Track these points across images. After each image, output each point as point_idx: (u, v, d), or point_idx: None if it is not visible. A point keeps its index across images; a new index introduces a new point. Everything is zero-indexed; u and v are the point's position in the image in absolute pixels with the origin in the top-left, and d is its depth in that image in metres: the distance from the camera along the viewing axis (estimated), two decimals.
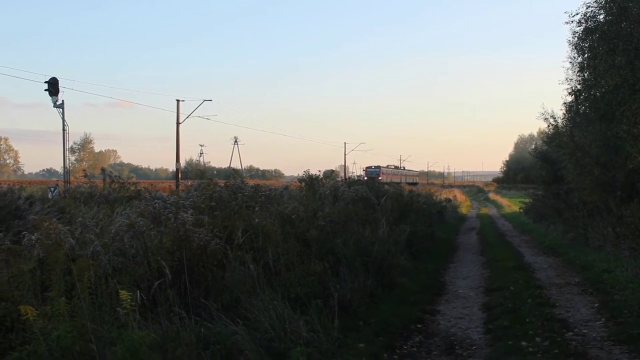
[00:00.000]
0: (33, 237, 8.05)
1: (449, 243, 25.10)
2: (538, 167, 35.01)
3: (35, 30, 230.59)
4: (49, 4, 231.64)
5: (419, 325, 10.46)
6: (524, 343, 9.02)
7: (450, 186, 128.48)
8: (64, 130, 37.74)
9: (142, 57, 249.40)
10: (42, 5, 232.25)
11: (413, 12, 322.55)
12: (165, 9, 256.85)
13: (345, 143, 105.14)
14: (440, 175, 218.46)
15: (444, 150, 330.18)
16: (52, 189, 23.10)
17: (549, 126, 26.00)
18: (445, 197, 51.84)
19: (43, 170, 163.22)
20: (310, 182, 19.76)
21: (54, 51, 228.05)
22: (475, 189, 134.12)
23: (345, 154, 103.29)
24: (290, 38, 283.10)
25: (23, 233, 8.87)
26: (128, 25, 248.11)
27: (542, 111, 25.27)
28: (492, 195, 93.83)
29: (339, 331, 8.80)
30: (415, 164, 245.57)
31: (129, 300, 7.01)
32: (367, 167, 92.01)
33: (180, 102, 61.27)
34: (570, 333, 9.68)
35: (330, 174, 25.07)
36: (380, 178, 71.36)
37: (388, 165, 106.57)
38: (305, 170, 21.29)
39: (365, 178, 35.51)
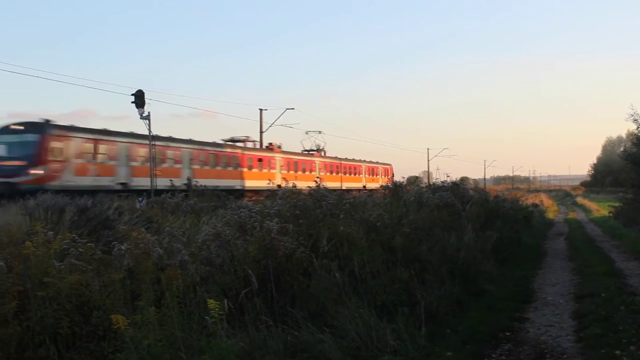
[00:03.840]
0: (123, 247, 8.22)
1: (536, 249, 24.57)
2: (627, 169, 33.99)
3: (123, 44, 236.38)
4: (134, 21, 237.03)
5: (508, 333, 10.25)
6: (617, 352, 8.70)
7: (537, 190, 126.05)
8: (150, 141, 38.57)
9: (226, 68, 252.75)
10: (127, 21, 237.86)
11: (496, 11, 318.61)
12: (247, 20, 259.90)
13: (428, 149, 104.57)
14: (526, 179, 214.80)
15: (530, 154, 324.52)
16: (140, 199, 23.59)
17: (638, 127, 25.30)
18: (531, 202, 50.84)
19: None
20: (394, 188, 19.64)
21: (141, 65, 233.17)
22: (562, 193, 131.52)
23: (428, 160, 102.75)
24: (372, 45, 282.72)
25: (113, 243, 9.07)
26: (211, 37, 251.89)
27: (631, 112, 24.60)
28: (580, 200, 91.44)
29: (426, 339, 8.71)
30: (500, 169, 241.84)
31: (217, 309, 7.07)
32: None
33: (263, 111, 63.78)
34: None
35: (414, 180, 24.90)
36: None
37: None
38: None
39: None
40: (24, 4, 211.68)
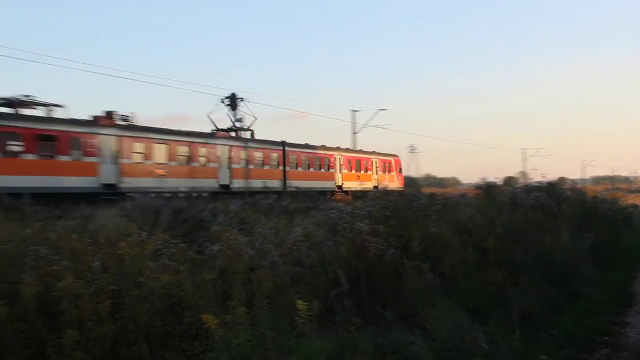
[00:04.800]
0: (215, 248, 8.35)
1: (637, 250, 23.81)
2: None
3: (216, 47, 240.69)
4: (225, 24, 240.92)
5: (606, 338, 9.94)
6: None
7: (638, 191, 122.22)
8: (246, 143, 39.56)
9: (320, 69, 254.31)
10: (222, 23, 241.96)
11: (594, 8, 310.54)
12: (342, 19, 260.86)
13: (523, 149, 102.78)
14: (626, 179, 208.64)
15: (630, 153, 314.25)
16: (235, 201, 23.93)
17: None
18: (631, 202, 49.33)
19: None
20: (487, 189, 19.39)
21: (234, 67, 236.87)
22: None
23: (523, 160, 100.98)
24: (465, 45, 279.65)
25: (206, 243, 9.22)
26: (305, 37, 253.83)
27: None
28: None
29: (519, 342, 8.54)
30: (600, 168, 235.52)
31: (306, 310, 7.09)
32: None
33: (356, 113, 63.50)
34: None
35: (509, 181, 24.52)
36: None
37: None
38: (482, 177, 20.95)
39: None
40: (122, 8, 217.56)
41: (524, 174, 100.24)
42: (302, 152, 55.15)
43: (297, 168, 53.76)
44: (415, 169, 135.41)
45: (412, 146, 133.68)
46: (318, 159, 57.26)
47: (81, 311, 6.51)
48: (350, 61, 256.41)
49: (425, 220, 11.63)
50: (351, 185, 60.67)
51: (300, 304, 7.07)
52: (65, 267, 7.02)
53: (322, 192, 46.76)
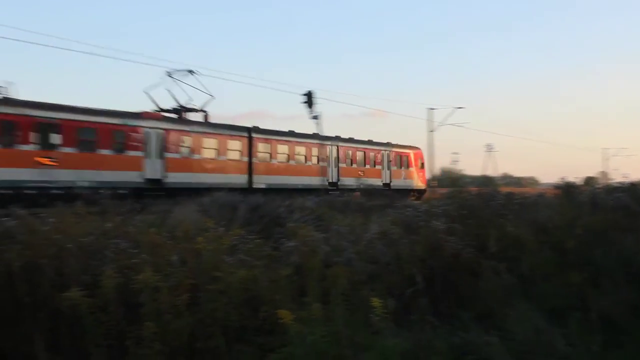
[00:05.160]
0: (291, 244, 8.40)
1: None
2: None
3: (295, 44, 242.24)
4: (307, 21, 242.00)
5: None
6: None
7: None
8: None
9: (398, 67, 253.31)
10: (300, 22, 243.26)
11: None
12: (419, 19, 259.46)
13: (604, 149, 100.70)
14: None
15: None
16: (310, 197, 24.06)
17: None
18: None
19: None
20: (566, 189, 19.07)
21: (314, 65, 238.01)
22: None
23: (604, 160, 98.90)
24: (543, 43, 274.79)
25: (281, 240, 9.29)
26: (382, 35, 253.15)
27: None
28: None
29: (599, 346, 8.35)
30: None
31: (382, 307, 7.07)
32: None
33: (433, 110, 62.01)
34: None
35: (589, 181, 24.09)
36: None
37: None
38: (561, 177, 20.64)
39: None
40: (207, 8, 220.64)
41: (604, 174, 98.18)
42: (278, 140, 45.75)
43: (270, 160, 44.90)
44: (493, 167, 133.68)
45: (489, 145, 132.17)
46: (302, 149, 47.91)
47: (159, 304, 6.64)
48: (430, 59, 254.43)
49: (503, 220, 11.47)
50: (351, 182, 47.97)
51: (376, 302, 7.05)
52: (145, 261, 7.17)
53: (309, 191, 36.82)
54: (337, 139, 51.53)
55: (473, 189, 13.90)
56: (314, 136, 47.85)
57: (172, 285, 6.84)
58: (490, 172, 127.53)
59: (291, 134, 47.33)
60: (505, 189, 21.44)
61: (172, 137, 37.90)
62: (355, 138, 54.19)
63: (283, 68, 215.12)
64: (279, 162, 45.45)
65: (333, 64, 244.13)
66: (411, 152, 60.72)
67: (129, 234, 8.56)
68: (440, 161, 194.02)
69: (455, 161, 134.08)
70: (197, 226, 9.48)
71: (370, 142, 55.76)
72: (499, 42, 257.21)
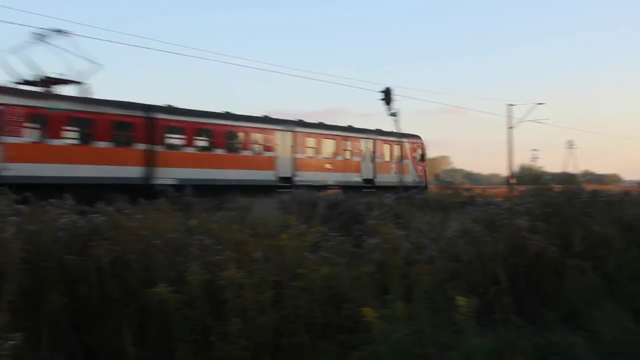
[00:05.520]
0: (372, 241, 8.39)
1: None
2: None
3: (372, 41, 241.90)
4: (381, 22, 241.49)
5: None
6: None
7: None
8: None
9: (477, 63, 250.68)
10: (378, 17, 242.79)
11: None
12: (497, 15, 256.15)
13: None
14: None
15: None
16: (388, 195, 23.99)
17: None
18: None
19: None
20: None
21: (391, 62, 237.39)
22: None
23: None
24: (625, 39, 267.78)
25: (362, 237, 9.28)
26: (457, 34, 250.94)
27: None
28: None
29: None
30: None
31: (465, 306, 7.01)
32: None
33: (512, 107, 61.06)
34: None
35: None
36: None
37: None
38: None
39: None
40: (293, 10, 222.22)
41: None
42: (196, 122, 35.85)
43: (182, 149, 35.21)
44: (573, 164, 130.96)
45: (570, 141, 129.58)
46: (237, 135, 38.65)
47: (244, 300, 6.70)
48: (510, 54, 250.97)
49: (588, 218, 11.24)
50: (315, 177, 40.48)
51: (461, 300, 6.99)
52: (229, 257, 7.24)
53: (248, 188, 32.56)
54: (292, 123, 42.43)
55: (556, 187, 13.59)
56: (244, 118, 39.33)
57: (257, 282, 6.90)
58: (571, 169, 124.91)
59: (214, 115, 37.74)
60: (587, 187, 20.96)
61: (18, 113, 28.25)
62: (326, 124, 45.60)
63: (360, 65, 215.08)
64: (201, 152, 36.77)
65: (412, 62, 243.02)
66: (406, 142, 50.34)
67: (212, 231, 8.66)
68: (520, 158, 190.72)
69: (535, 158, 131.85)
70: (278, 223, 9.55)
71: (348, 129, 46.72)
72: (581, 39, 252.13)
